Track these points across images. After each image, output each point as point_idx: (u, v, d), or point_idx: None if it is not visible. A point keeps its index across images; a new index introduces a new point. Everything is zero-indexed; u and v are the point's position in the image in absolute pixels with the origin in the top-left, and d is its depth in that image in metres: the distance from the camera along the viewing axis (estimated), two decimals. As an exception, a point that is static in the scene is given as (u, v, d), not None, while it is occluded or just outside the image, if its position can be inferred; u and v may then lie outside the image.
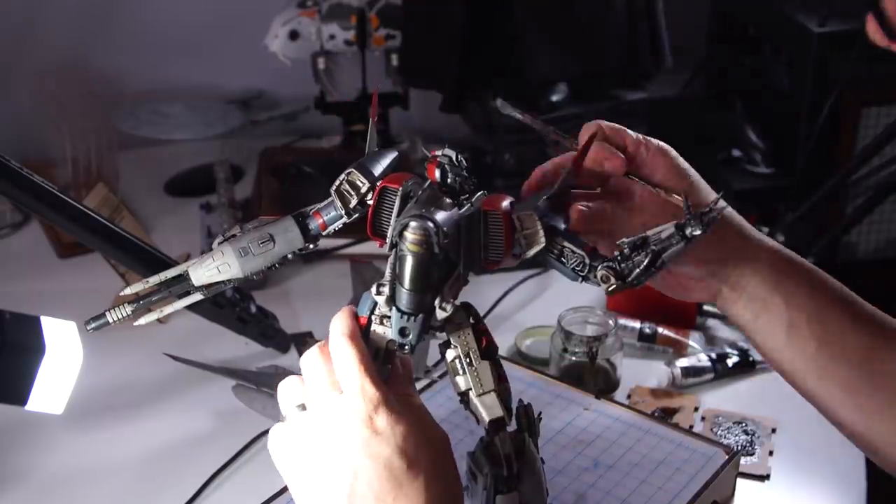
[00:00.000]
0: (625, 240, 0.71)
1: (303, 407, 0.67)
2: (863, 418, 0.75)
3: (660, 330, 1.20)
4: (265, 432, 1.07)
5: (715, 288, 0.76)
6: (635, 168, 0.75)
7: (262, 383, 1.09)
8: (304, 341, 1.21)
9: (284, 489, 0.90)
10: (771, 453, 1.04)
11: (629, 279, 0.70)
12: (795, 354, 0.75)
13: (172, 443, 1.08)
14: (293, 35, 1.57)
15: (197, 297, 0.75)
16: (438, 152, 0.71)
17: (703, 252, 0.73)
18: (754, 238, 0.76)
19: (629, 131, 0.76)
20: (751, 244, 0.76)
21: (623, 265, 0.70)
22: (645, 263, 0.70)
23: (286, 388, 0.69)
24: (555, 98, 1.38)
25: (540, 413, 0.75)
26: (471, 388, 0.71)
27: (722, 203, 0.69)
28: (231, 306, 1.13)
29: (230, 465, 1.03)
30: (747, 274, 0.75)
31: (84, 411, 1.04)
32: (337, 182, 0.74)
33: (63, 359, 0.90)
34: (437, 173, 0.70)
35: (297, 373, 0.69)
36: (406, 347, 0.69)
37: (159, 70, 1.75)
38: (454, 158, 0.71)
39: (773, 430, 1.07)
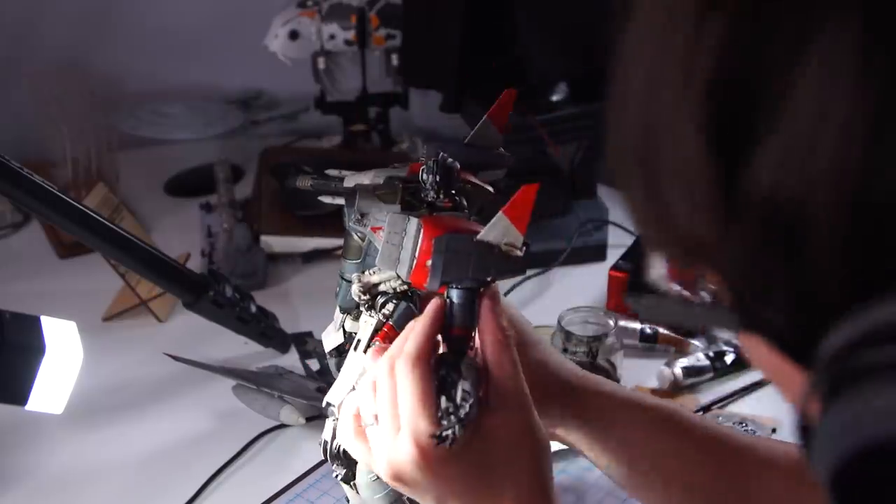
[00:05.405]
0: None
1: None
2: None
3: (661, 330, 1.20)
4: (265, 432, 1.07)
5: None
6: None
7: (262, 383, 1.09)
8: (303, 341, 1.21)
9: (284, 489, 0.90)
10: (771, 453, 1.04)
11: None
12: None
13: (172, 443, 1.08)
14: (293, 35, 1.57)
15: None
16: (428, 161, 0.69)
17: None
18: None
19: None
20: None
21: None
22: None
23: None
24: (555, 98, 1.38)
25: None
26: None
27: None
28: (231, 306, 1.13)
29: (230, 465, 1.03)
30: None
31: (84, 411, 1.04)
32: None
33: (63, 359, 0.90)
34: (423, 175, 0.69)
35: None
36: None
37: (159, 70, 1.75)
38: (440, 163, 0.68)
39: (774, 430, 1.07)
